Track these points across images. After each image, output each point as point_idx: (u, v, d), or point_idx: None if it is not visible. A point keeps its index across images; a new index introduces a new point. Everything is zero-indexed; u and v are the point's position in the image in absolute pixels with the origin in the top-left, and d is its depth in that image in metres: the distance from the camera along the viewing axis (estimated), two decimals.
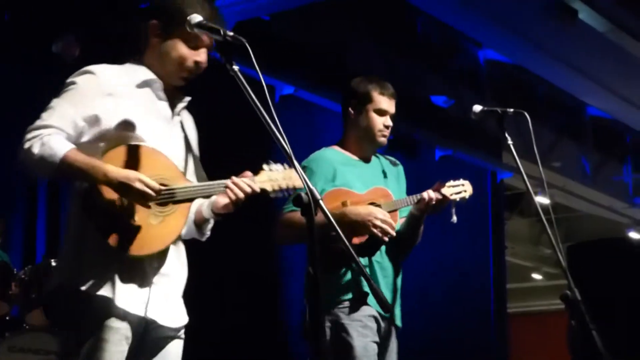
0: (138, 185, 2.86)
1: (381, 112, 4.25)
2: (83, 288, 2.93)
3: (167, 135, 3.16)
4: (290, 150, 2.64)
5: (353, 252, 2.60)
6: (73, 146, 2.91)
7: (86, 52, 6.74)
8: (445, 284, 9.42)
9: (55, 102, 3.03)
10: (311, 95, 8.18)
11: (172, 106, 3.22)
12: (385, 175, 4.32)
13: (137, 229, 2.93)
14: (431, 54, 9.29)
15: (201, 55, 3.15)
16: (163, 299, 3.07)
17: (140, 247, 2.95)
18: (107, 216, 2.91)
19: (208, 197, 3.20)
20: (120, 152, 2.97)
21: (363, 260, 4.08)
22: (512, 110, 3.81)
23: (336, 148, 4.33)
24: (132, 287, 2.99)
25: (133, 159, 2.97)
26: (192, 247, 3.30)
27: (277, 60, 7.35)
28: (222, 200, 3.15)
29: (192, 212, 3.24)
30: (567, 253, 5.65)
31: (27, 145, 2.91)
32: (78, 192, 2.98)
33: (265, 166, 3.21)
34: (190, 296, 3.26)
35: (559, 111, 11.23)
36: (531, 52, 9.33)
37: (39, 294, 5.66)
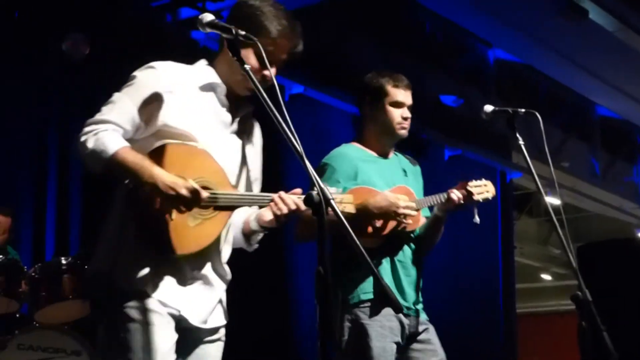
0: (184, 191, 2.83)
1: (398, 105, 4.22)
2: (119, 282, 2.94)
3: (222, 141, 3.12)
4: (302, 150, 2.62)
5: (362, 249, 2.57)
6: (126, 144, 2.90)
7: (96, 51, 6.76)
8: (454, 284, 9.40)
9: (116, 97, 3.01)
10: (321, 94, 8.18)
11: (234, 114, 3.18)
12: (405, 174, 4.31)
13: (174, 228, 2.91)
14: (440, 54, 9.28)
15: (270, 70, 3.08)
16: (199, 299, 3.06)
17: (175, 246, 2.93)
18: (146, 213, 2.91)
19: (250, 207, 3.18)
20: (166, 150, 2.95)
21: (386, 260, 4.08)
22: (523, 110, 3.80)
23: (356, 144, 4.30)
24: (169, 284, 2.98)
25: (178, 158, 2.95)
26: None
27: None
28: (268, 214, 3.10)
29: (240, 221, 3.22)
30: (577, 253, 5.64)
31: (82, 138, 2.91)
32: (125, 189, 2.98)
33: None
34: None
35: (568, 111, 11.21)
36: (541, 51, 9.33)
37: (49, 292, 5.66)
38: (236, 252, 3.26)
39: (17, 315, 5.88)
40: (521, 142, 3.73)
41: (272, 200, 3.05)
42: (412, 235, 4.20)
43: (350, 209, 3.22)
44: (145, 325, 2.91)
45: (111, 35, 6.90)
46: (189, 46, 7.01)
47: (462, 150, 9.67)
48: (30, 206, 7.16)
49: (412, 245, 4.18)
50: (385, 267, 4.07)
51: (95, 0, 6.92)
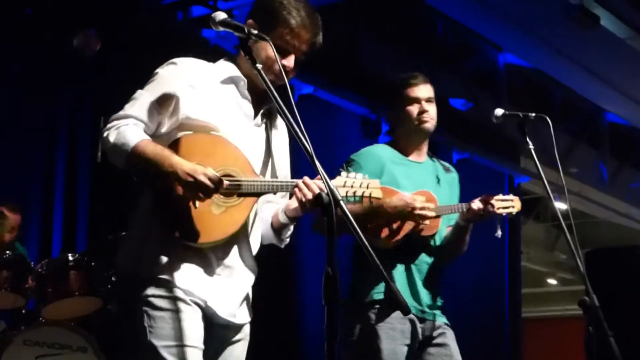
0: (202, 178, 2.83)
1: (414, 101, 4.24)
2: (143, 274, 2.94)
3: (246, 133, 3.11)
4: (312, 149, 2.63)
5: (370, 248, 2.56)
6: (147, 137, 2.93)
7: (106, 49, 6.76)
8: (460, 288, 9.37)
9: (138, 93, 3.04)
10: (330, 95, 8.18)
11: (257, 107, 3.18)
12: (438, 181, 4.30)
13: (198, 217, 2.91)
14: (450, 56, 9.26)
15: (289, 60, 3.11)
16: (226, 291, 3.04)
17: (199, 235, 2.93)
18: (169, 204, 2.91)
19: (274, 193, 3.18)
20: (189, 140, 2.97)
21: (401, 263, 4.07)
22: (533, 114, 3.79)
23: (388, 146, 4.31)
24: (195, 274, 2.97)
25: (201, 147, 2.96)
26: None
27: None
28: (293, 202, 3.09)
29: (269, 216, 3.21)
30: (584, 259, 5.63)
31: (105, 133, 2.94)
32: (148, 188, 3.00)
33: (343, 172, 3.15)
34: None
35: (577, 117, 11.17)
36: (551, 56, 9.30)
37: (55, 288, 5.66)
38: None
39: (24, 311, 5.88)
40: (531, 146, 3.72)
41: (296, 186, 3.04)
42: (431, 241, 4.18)
43: (378, 193, 3.17)
44: (173, 312, 2.90)
45: (122, 33, 6.91)
46: (200, 45, 7.01)
47: (470, 154, 9.66)
48: (37, 202, 7.17)
49: (431, 251, 4.17)
50: (399, 270, 4.07)
51: None
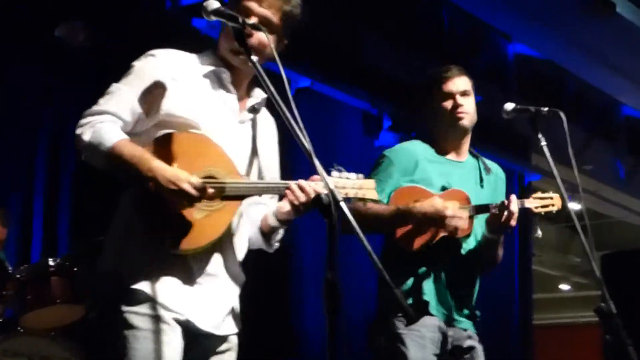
0: (186, 186, 2.81)
1: (447, 96, 4.25)
2: (123, 282, 2.92)
3: (230, 130, 3.10)
4: (310, 145, 2.62)
5: (373, 253, 2.55)
6: (124, 136, 2.89)
7: (92, 40, 6.76)
8: None
9: (114, 87, 3.01)
10: (329, 88, 8.16)
11: (243, 103, 3.17)
12: (481, 181, 4.29)
13: (178, 222, 2.89)
14: (456, 47, 9.25)
15: (259, 37, 3.06)
16: (208, 301, 3.02)
17: (180, 242, 2.91)
18: (151, 208, 2.89)
19: (260, 196, 3.15)
20: (171, 139, 2.93)
21: (429, 266, 4.06)
22: (546, 109, 3.78)
23: (424, 143, 4.31)
24: (175, 285, 2.95)
25: (184, 147, 2.93)
26: None
27: (294, 52, 7.34)
28: (285, 205, 3.07)
29: (258, 219, 3.19)
30: (600, 263, 5.62)
31: (78, 131, 2.91)
32: (130, 188, 2.97)
33: (334, 172, 3.13)
34: None
35: (592, 110, 11.15)
36: (564, 46, 9.30)
37: (35, 296, 5.64)
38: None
39: (1, 320, 5.85)
40: (544, 142, 3.72)
41: (287, 188, 3.02)
42: (464, 243, 4.17)
43: (372, 195, 3.16)
44: (153, 333, 2.89)
45: (109, 22, 6.90)
46: (190, 34, 7.00)
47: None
48: (16, 203, 7.14)
49: (463, 256, 4.16)
50: (428, 274, 4.06)
51: None
